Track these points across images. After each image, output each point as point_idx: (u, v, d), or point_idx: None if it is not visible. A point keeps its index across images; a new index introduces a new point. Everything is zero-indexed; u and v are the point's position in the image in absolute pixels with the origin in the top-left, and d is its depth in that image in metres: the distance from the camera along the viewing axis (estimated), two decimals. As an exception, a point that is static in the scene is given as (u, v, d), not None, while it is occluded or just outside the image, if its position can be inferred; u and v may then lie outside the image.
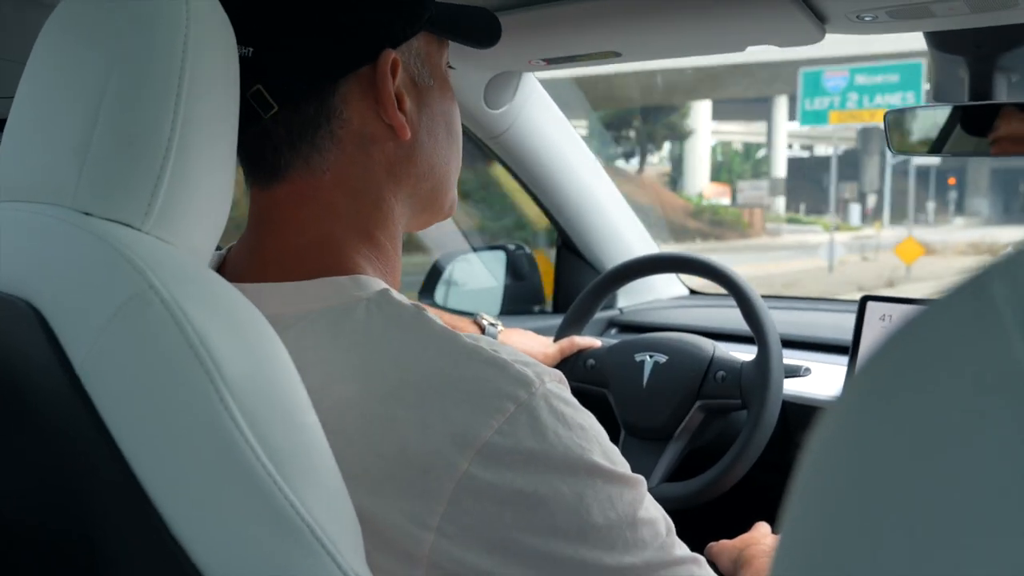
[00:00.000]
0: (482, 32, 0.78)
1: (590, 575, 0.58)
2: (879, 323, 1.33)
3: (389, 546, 0.57)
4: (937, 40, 1.08)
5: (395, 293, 0.65)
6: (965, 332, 0.20)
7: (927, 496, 0.19)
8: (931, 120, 1.17)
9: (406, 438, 0.57)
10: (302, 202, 0.68)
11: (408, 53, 0.69)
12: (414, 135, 0.70)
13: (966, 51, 1.08)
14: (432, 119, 0.72)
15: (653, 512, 0.62)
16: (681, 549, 0.64)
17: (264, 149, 0.67)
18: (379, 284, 0.66)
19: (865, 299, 1.33)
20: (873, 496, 0.21)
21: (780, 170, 24.95)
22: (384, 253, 0.70)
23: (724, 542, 1.03)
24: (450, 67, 0.76)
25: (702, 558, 0.65)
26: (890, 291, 1.38)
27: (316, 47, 0.65)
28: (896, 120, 1.16)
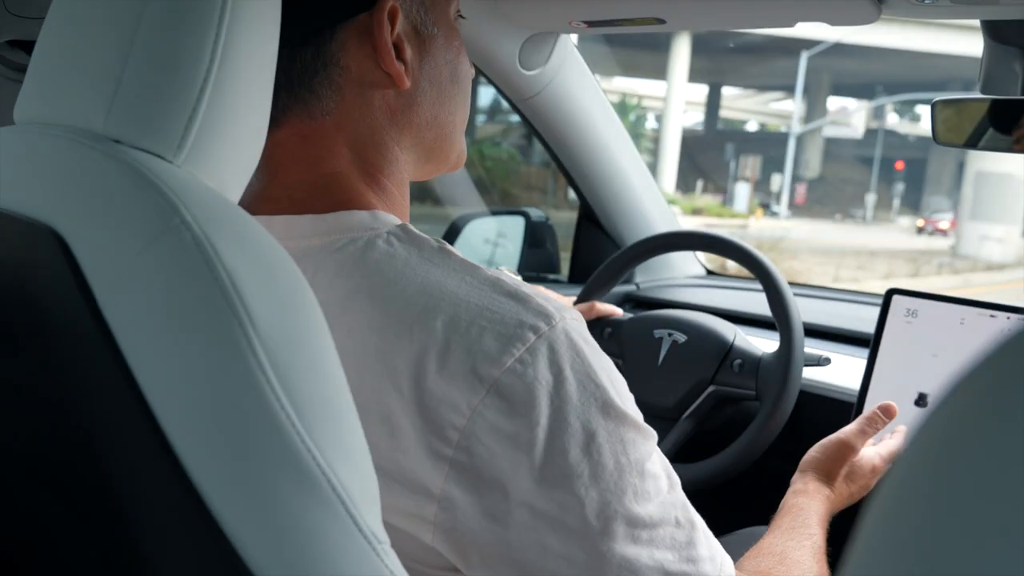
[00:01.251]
0: None
1: (598, 520, 0.57)
2: (903, 318, 1.30)
3: (404, 480, 0.57)
4: (995, 29, 1.04)
5: (414, 228, 0.66)
6: None
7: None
8: (975, 113, 1.13)
9: (426, 365, 0.57)
10: (304, 143, 0.68)
11: (410, 1, 0.68)
12: (415, 84, 0.69)
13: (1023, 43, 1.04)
14: (435, 68, 0.71)
15: (659, 467, 0.63)
16: (683, 509, 0.63)
17: None
18: (396, 219, 0.66)
19: (891, 292, 1.31)
20: (982, 501, 0.19)
21: (672, 140, 22.26)
22: (391, 197, 0.70)
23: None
24: (460, 16, 0.75)
25: (701, 521, 0.65)
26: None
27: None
28: (943, 110, 1.13)
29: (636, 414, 0.61)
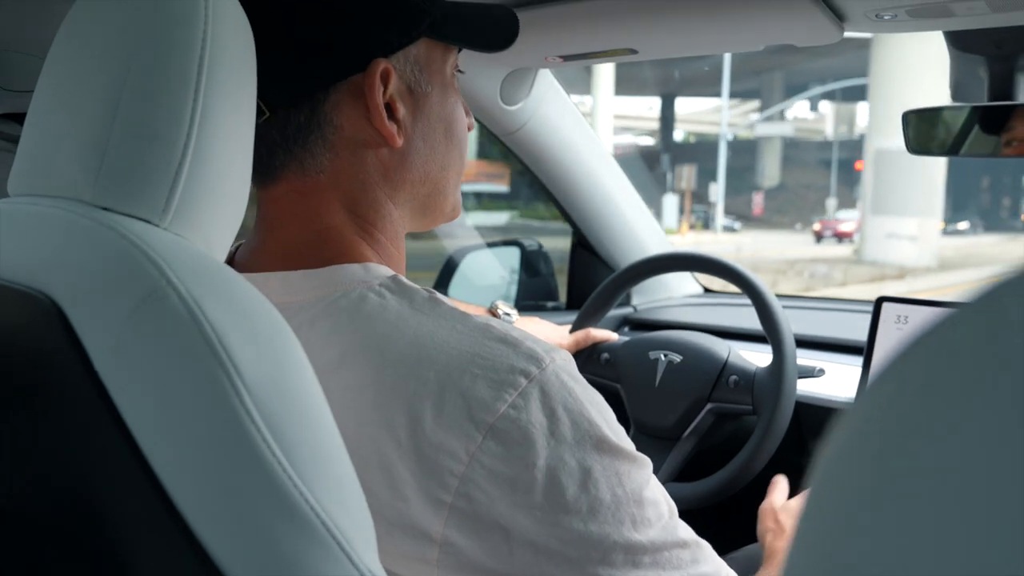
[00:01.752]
0: (496, 33, 0.78)
1: (597, 550, 0.59)
2: (894, 324, 1.32)
3: (404, 526, 0.59)
4: (957, 39, 1.07)
5: (405, 279, 0.67)
6: (976, 346, 0.20)
7: (936, 496, 0.20)
8: (950, 120, 1.16)
9: (422, 415, 0.59)
10: (299, 199, 0.69)
11: (404, 61, 0.70)
12: (408, 141, 0.71)
13: (986, 51, 1.07)
14: (428, 125, 0.72)
15: (658, 494, 0.64)
16: (685, 531, 0.65)
17: (259, 150, 0.69)
18: (388, 270, 0.68)
19: (881, 300, 1.33)
20: (885, 498, 0.21)
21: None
22: (385, 250, 0.72)
23: (777, 501, 1.03)
24: (459, 71, 0.76)
25: (705, 542, 0.66)
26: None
27: (304, 58, 0.67)
28: (914, 119, 1.15)
29: (629, 445, 0.63)
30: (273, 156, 0.69)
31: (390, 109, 0.69)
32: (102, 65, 0.55)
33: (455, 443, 0.58)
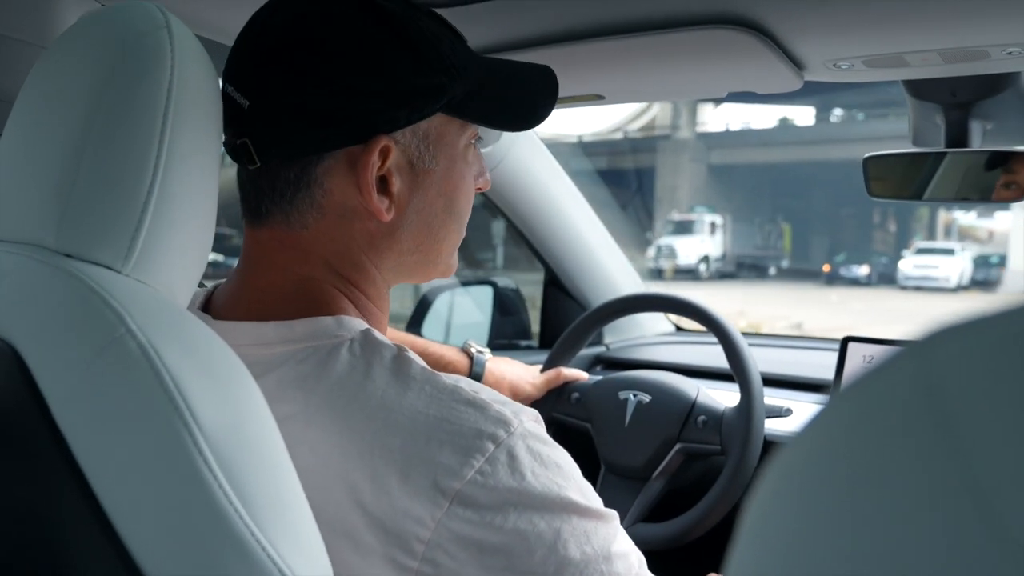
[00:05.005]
0: (525, 107, 0.75)
1: None
2: (861, 363, 1.34)
3: None
4: (914, 88, 1.10)
5: (377, 334, 0.66)
6: (906, 395, 0.21)
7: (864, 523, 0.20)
8: (911, 165, 1.19)
9: (388, 484, 0.58)
10: (282, 247, 0.68)
11: (412, 135, 0.68)
12: (400, 215, 0.69)
13: (942, 99, 1.10)
14: (426, 201, 0.70)
15: (625, 546, 0.64)
16: None
17: (249, 192, 0.69)
18: (362, 324, 0.67)
19: (847, 340, 1.34)
20: (808, 541, 0.22)
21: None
22: (365, 308, 0.71)
23: None
24: (478, 139, 0.74)
25: None
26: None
27: (305, 123, 0.65)
28: (875, 165, 1.18)
29: (597, 503, 0.63)
30: (260, 203, 0.68)
31: (384, 182, 0.67)
32: (68, 113, 0.56)
33: (421, 510, 0.57)
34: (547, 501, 0.59)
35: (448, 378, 0.63)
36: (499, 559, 0.58)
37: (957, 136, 1.09)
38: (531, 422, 0.62)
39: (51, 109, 0.58)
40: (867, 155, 1.19)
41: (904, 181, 1.16)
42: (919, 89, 1.10)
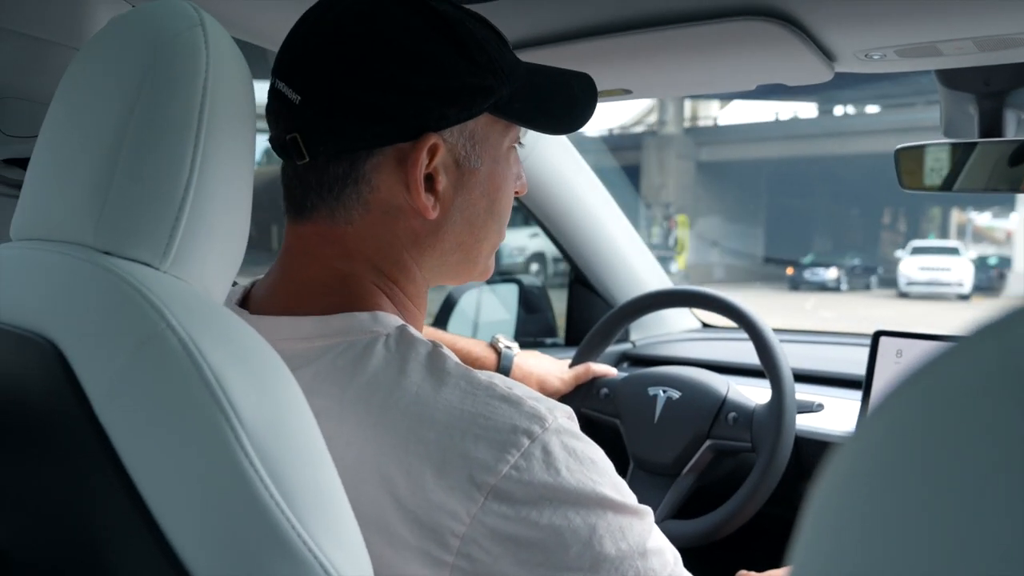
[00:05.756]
0: (567, 112, 0.76)
1: None
2: (893, 358, 1.32)
3: None
4: (947, 77, 1.09)
5: (413, 330, 0.66)
6: (987, 379, 0.20)
7: (939, 531, 0.20)
8: (942, 156, 1.17)
9: (423, 478, 0.58)
10: (324, 242, 0.69)
11: (459, 135, 0.69)
12: (444, 214, 0.69)
13: (975, 88, 1.08)
14: (470, 200, 0.71)
15: (661, 542, 0.64)
16: None
17: (295, 187, 0.69)
18: (397, 320, 0.67)
19: (878, 334, 1.33)
20: (885, 531, 0.21)
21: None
22: (403, 305, 0.71)
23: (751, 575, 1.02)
24: (519, 143, 0.75)
25: None
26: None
27: (357, 119, 0.65)
28: (906, 156, 1.17)
29: (631, 499, 0.63)
30: (306, 198, 0.69)
31: (431, 180, 0.68)
32: (104, 112, 0.56)
33: (456, 505, 0.58)
34: (582, 496, 0.59)
35: (483, 374, 0.63)
36: (534, 554, 0.58)
37: (990, 126, 1.08)
38: (565, 418, 0.62)
39: (86, 110, 0.58)
40: (899, 147, 1.17)
41: (935, 172, 1.15)
42: (952, 79, 1.08)
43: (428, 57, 0.65)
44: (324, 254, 0.69)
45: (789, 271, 19.42)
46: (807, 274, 18.90)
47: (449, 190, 0.69)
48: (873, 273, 19.61)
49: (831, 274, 18.72)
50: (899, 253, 18.91)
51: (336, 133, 0.66)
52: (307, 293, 0.69)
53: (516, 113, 0.71)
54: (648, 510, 0.64)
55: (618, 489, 0.62)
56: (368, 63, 0.65)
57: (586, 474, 0.60)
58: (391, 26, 0.66)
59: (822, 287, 18.44)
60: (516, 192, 0.76)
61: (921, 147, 1.16)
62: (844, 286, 18.61)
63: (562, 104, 0.76)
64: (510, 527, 0.58)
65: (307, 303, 0.68)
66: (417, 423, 0.60)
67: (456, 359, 0.65)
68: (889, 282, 18.31)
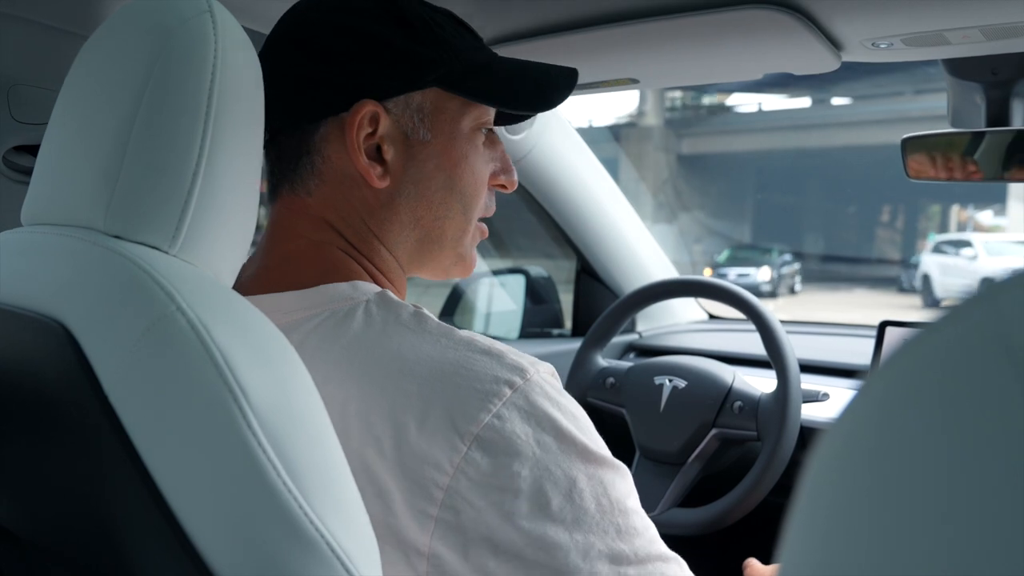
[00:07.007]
0: (533, 94, 0.77)
1: (582, 559, 0.59)
2: (898, 348, 1.32)
3: (394, 541, 0.59)
4: (953, 67, 1.09)
5: (392, 294, 0.68)
6: (948, 356, 0.21)
7: (939, 499, 0.20)
8: (950, 145, 1.17)
9: (407, 427, 0.59)
10: (292, 215, 0.73)
11: (405, 106, 0.71)
12: (396, 184, 0.72)
13: (982, 77, 1.08)
14: (423, 173, 0.72)
15: (638, 505, 0.64)
16: (664, 547, 0.65)
17: (266, 169, 0.73)
18: (376, 287, 0.69)
19: (884, 324, 1.33)
20: (883, 505, 0.21)
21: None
22: (378, 280, 0.73)
23: (759, 566, 1.02)
24: (489, 129, 0.76)
25: (682, 560, 0.66)
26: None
27: (299, 91, 0.70)
28: (912, 145, 1.16)
29: (610, 455, 0.64)
30: (272, 176, 0.73)
31: (380, 150, 0.71)
32: (114, 98, 0.57)
33: (439, 454, 0.58)
34: (563, 448, 0.60)
35: (464, 332, 0.65)
36: (516, 506, 0.58)
37: (998, 115, 1.08)
38: (547, 374, 0.63)
39: (96, 96, 0.58)
40: (905, 136, 1.17)
41: (942, 161, 1.15)
42: (959, 68, 1.08)
43: (369, 31, 0.70)
44: (294, 227, 0.72)
45: (707, 272, 13.39)
46: (731, 277, 12.24)
47: (398, 160, 0.72)
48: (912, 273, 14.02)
49: (763, 275, 13.66)
50: (921, 256, 13.99)
51: (286, 108, 0.70)
52: (286, 268, 0.71)
53: (469, 90, 0.73)
54: (627, 470, 0.65)
55: (597, 444, 0.63)
56: (314, 41, 0.71)
57: (567, 425, 0.61)
58: (343, 10, 0.71)
59: (756, 292, 11.80)
60: (502, 184, 0.78)
61: (928, 136, 1.15)
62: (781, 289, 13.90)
63: (528, 85, 0.76)
64: (492, 478, 0.58)
65: (287, 278, 0.70)
66: (399, 376, 0.61)
67: (438, 320, 0.66)
68: (887, 282, 15.40)
